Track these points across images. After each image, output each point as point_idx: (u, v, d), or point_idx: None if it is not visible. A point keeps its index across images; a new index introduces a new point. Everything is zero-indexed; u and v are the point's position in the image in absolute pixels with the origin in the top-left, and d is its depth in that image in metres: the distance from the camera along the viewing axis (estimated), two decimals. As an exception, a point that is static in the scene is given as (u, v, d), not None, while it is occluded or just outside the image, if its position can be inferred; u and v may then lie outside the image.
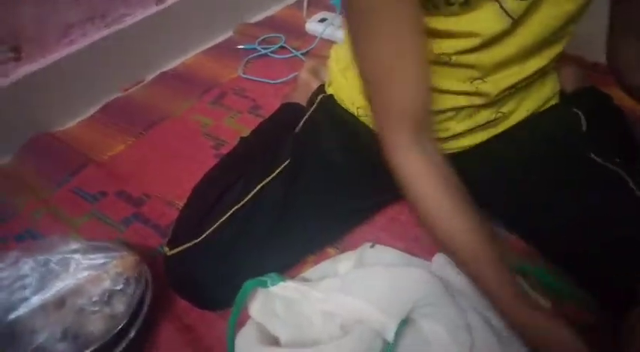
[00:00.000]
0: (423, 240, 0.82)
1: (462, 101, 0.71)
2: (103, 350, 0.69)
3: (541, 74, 0.73)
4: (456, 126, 0.74)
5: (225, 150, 1.06)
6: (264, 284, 0.67)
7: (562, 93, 0.83)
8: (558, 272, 0.72)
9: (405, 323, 0.62)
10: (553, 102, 0.80)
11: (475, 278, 0.59)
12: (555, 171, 0.74)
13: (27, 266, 0.74)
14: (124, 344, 0.70)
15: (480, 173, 0.79)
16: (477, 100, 0.70)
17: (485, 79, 0.68)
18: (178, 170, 1.04)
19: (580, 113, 0.78)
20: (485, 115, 0.73)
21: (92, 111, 1.25)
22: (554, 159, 0.75)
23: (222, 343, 0.72)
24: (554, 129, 0.78)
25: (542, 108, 0.79)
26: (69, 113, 1.22)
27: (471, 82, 0.68)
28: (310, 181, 0.78)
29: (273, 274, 0.69)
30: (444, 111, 0.73)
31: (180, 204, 0.92)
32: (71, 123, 1.22)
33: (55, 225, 0.94)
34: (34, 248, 0.75)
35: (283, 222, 0.75)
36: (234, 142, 0.99)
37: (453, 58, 0.65)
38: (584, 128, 0.77)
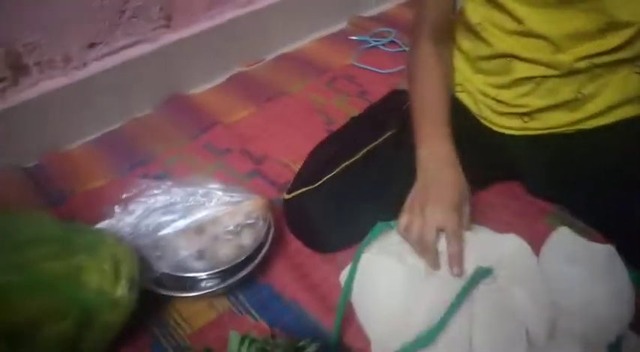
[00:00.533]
0: (516, 225, 0.90)
1: (538, 71, 0.79)
2: (230, 272, 0.83)
3: (621, 62, 0.78)
4: (537, 101, 0.82)
5: (334, 127, 1.17)
6: (391, 227, 0.77)
7: None
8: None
9: (488, 272, 0.68)
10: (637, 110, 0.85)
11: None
12: (629, 178, 0.79)
13: (177, 194, 0.89)
14: (247, 270, 0.83)
15: (554, 163, 0.87)
16: (552, 71, 0.78)
17: (559, 51, 0.76)
18: (294, 138, 1.18)
19: None
20: (565, 93, 0.80)
21: (220, 80, 1.41)
22: (631, 167, 0.80)
23: (326, 282, 0.85)
24: (635, 138, 0.82)
25: (626, 113, 0.84)
26: (201, 79, 1.39)
27: (548, 52, 0.77)
28: (413, 148, 0.86)
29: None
30: (522, 83, 0.81)
31: (295, 166, 1.06)
32: (202, 88, 1.38)
33: (187, 171, 1.10)
34: (185, 181, 0.90)
35: (388, 179, 0.85)
36: (343, 121, 1.10)
37: (527, 26, 0.75)
38: None
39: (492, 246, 0.71)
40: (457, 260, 0.69)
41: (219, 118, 1.25)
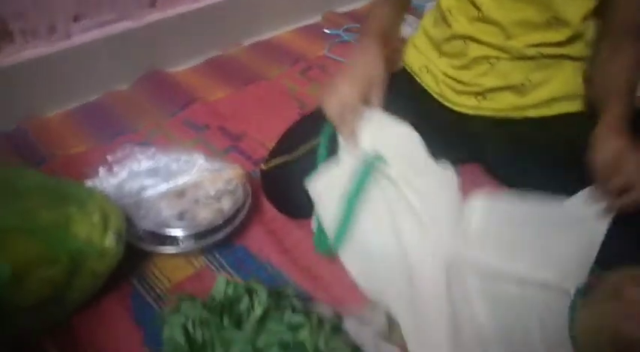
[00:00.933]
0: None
1: (491, 53, 0.91)
2: (210, 232, 0.89)
3: (567, 58, 0.91)
4: (490, 81, 0.93)
5: (307, 111, 1.25)
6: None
7: None
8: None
9: (379, 159, 0.81)
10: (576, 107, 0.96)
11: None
12: (569, 168, 0.87)
13: (161, 160, 0.95)
14: (225, 232, 0.90)
15: (508, 149, 0.97)
16: (504, 54, 0.90)
17: (510, 38, 0.88)
18: (269, 120, 1.24)
19: None
20: (515, 77, 0.91)
21: (198, 61, 1.46)
22: (571, 158, 0.87)
23: (299, 247, 0.93)
24: (574, 132, 0.91)
25: (566, 108, 0.95)
26: (180, 59, 1.44)
27: (501, 38, 0.89)
28: None
29: None
30: (479, 62, 0.92)
31: (270, 144, 1.12)
32: (180, 68, 1.43)
33: (167, 143, 1.15)
34: (168, 148, 0.96)
35: None
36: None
37: (484, 12, 0.87)
38: None
39: (386, 131, 0.84)
40: (350, 134, 0.84)
41: (197, 96, 1.31)
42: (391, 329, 0.76)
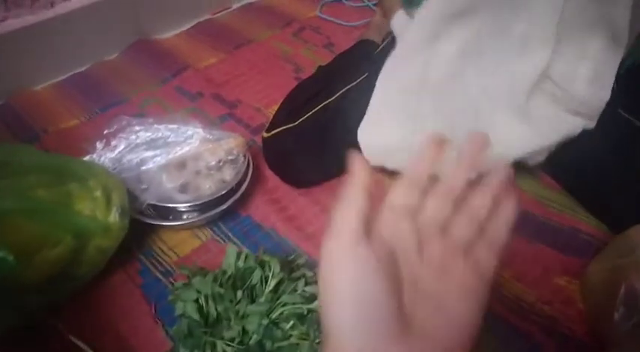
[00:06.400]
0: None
1: None
2: (213, 204, 0.88)
3: None
4: None
5: (304, 75, 1.23)
6: None
7: None
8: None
9: None
10: None
11: None
12: None
13: (159, 131, 0.92)
14: (228, 203, 0.89)
15: None
16: None
17: None
18: (264, 84, 1.22)
19: None
20: None
21: (186, 27, 1.42)
22: None
23: (303, 214, 0.92)
24: None
25: None
26: (167, 26, 1.39)
27: None
28: None
29: None
30: None
31: (267, 111, 1.12)
32: (168, 35, 1.39)
33: (162, 113, 1.12)
34: (165, 118, 0.94)
35: (363, 117, 0.90)
36: (312, 69, 1.16)
37: None
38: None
39: None
40: None
41: (189, 63, 1.27)
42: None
